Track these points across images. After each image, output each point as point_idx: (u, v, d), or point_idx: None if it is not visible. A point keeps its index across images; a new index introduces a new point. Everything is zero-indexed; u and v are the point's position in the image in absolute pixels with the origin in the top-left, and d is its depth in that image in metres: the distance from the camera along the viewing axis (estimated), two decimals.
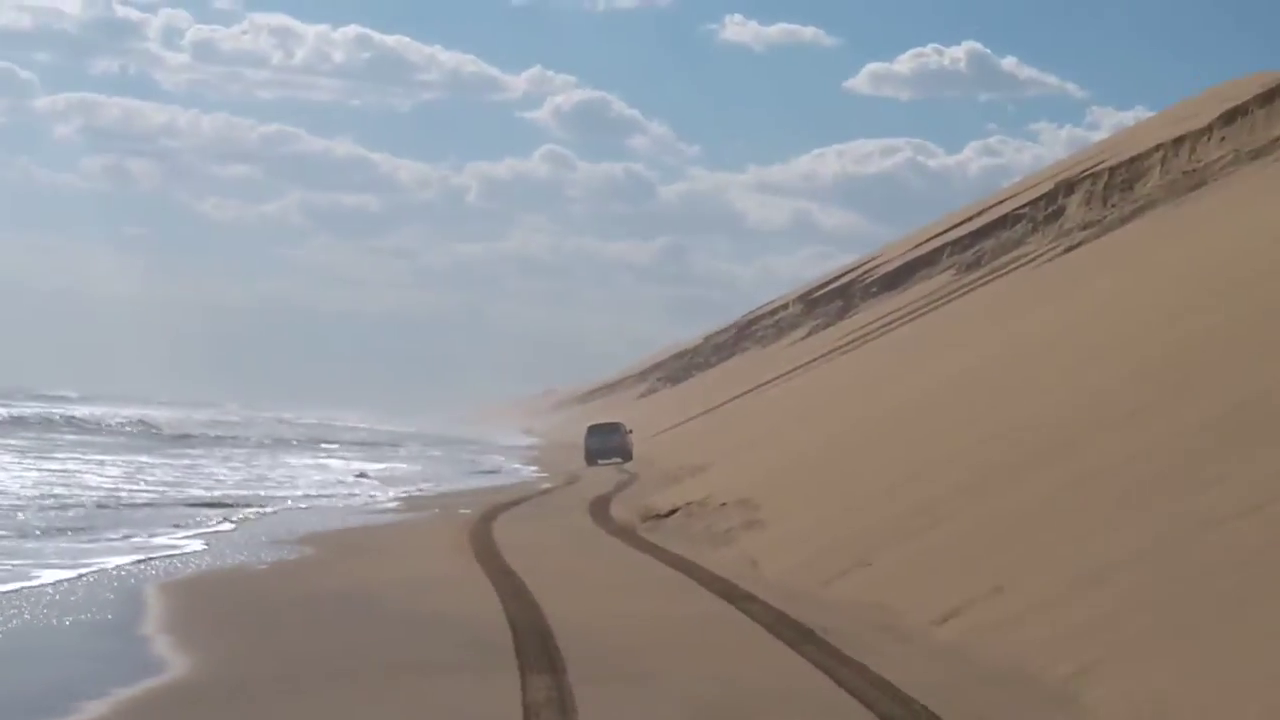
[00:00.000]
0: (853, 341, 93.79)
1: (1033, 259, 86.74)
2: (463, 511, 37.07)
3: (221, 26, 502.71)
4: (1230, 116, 79.82)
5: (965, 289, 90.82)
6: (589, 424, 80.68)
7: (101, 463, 56.59)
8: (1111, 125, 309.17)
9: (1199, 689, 11.51)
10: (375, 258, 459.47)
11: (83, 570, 23.90)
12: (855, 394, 53.21)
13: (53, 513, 34.54)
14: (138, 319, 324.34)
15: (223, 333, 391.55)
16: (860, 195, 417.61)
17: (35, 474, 48.69)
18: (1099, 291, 41.77)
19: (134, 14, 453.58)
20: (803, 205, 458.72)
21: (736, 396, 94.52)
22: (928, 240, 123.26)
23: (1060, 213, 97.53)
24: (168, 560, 25.78)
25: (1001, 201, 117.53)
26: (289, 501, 41.51)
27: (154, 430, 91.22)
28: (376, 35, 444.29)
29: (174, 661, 16.10)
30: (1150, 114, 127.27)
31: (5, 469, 50.60)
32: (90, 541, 28.83)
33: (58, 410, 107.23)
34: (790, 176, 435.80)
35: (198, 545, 28.51)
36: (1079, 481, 18.87)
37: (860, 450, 32.04)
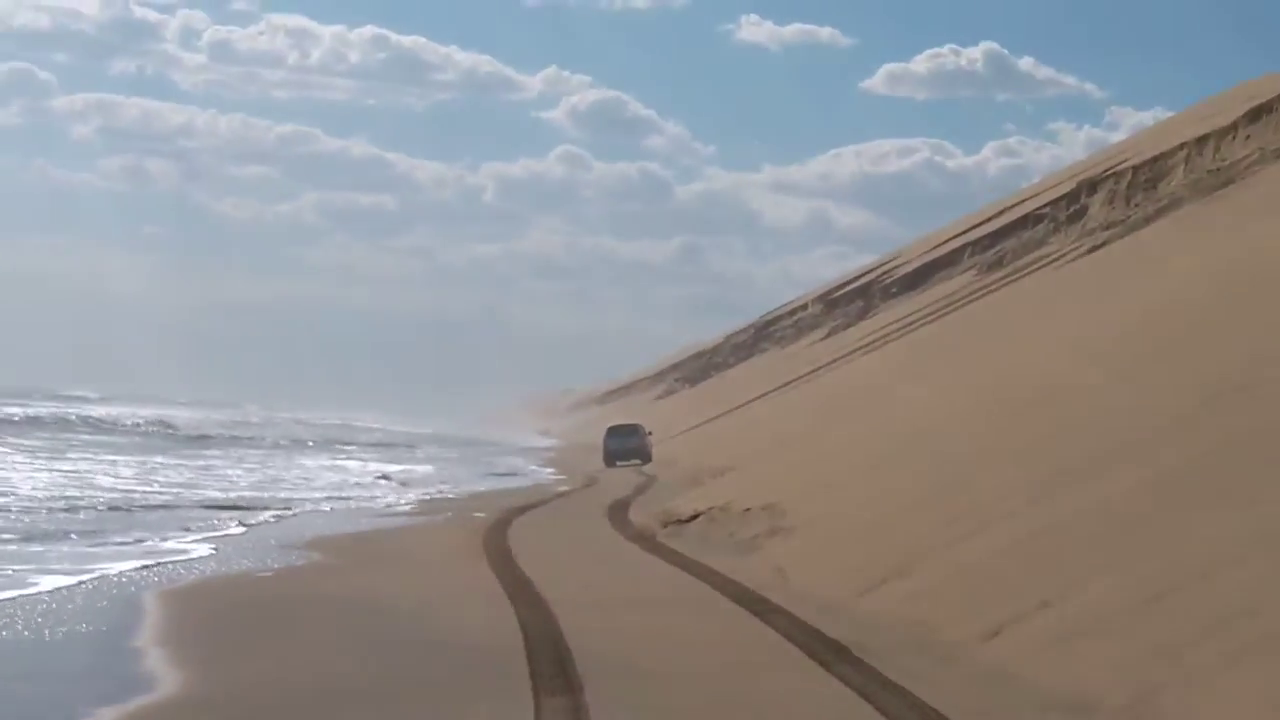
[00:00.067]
0: (874, 342, 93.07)
1: (1056, 259, 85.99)
2: (477, 515, 36.35)
3: (238, 27, 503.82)
4: (1255, 114, 78.97)
5: (987, 289, 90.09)
6: (608, 425, 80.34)
7: (114, 463, 56.13)
8: (1130, 125, 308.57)
9: None
10: (391, 257, 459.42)
11: (83, 577, 23.26)
12: (881, 395, 52.29)
13: (62, 515, 34.11)
14: (154, 319, 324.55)
15: (240, 332, 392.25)
16: (877, 195, 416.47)
17: (47, 475, 48.26)
18: (1148, 290, 40.81)
19: (151, 15, 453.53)
20: (819, 205, 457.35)
21: (757, 397, 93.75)
22: (948, 240, 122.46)
23: (1083, 212, 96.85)
24: (172, 566, 25.12)
25: (1023, 201, 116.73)
26: (306, 504, 40.81)
27: (171, 431, 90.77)
28: (393, 36, 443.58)
29: (164, 678, 15.23)
30: (1169, 114, 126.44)
31: (17, 469, 50.27)
32: (97, 545, 28.31)
33: (74, 410, 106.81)
34: (807, 176, 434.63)
35: (205, 550, 27.87)
36: (1137, 489, 17.76)
37: (892, 454, 31.04)
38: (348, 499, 44.18)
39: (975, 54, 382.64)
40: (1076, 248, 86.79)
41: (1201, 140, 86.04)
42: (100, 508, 36.50)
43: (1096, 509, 17.74)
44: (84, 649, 17.24)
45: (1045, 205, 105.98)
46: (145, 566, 24.72)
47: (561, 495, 47.46)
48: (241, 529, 32.49)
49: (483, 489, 51.30)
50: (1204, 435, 18.83)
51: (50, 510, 35.04)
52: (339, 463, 68.37)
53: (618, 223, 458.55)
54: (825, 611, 17.92)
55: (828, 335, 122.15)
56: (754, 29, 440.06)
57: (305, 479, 53.69)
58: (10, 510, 34.59)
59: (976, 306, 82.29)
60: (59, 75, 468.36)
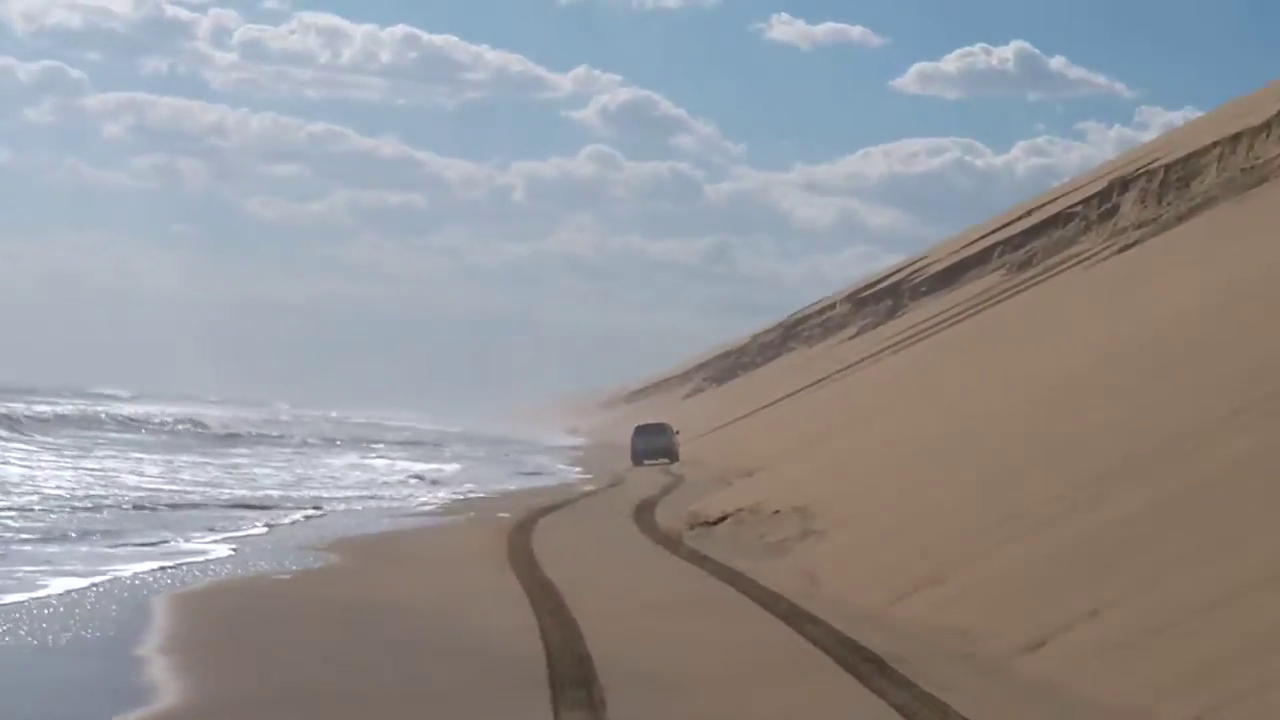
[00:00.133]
0: (902, 341, 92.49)
1: (1087, 258, 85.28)
2: (502, 516, 35.83)
3: (270, 26, 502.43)
4: None
5: (1017, 289, 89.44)
6: (636, 424, 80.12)
7: (142, 462, 55.90)
8: (1161, 125, 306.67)
9: None
10: (421, 256, 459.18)
11: (96, 579, 22.73)
12: (911, 395, 51.63)
13: (84, 514, 33.77)
14: (185, 317, 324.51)
15: (271, 331, 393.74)
16: (907, 195, 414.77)
17: (72, 473, 47.97)
18: (1182, 288, 40.06)
19: (183, 13, 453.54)
20: (849, 204, 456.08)
21: (785, 396, 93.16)
22: (978, 239, 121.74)
23: (1114, 211, 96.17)
24: (188, 568, 24.61)
25: (1054, 200, 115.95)
26: (332, 504, 40.31)
27: (201, 430, 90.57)
28: (424, 35, 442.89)
29: (167, 688, 14.66)
30: (1199, 114, 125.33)
31: (43, 468, 49.94)
32: (116, 546, 27.92)
33: (104, 408, 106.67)
34: (837, 176, 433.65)
35: (225, 551, 27.42)
36: (1188, 493, 17.01)
37: (927, 455, 30.37)
38: (375, 498, 43.75)
39: (1006, 53, 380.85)
40: (1108, 246, 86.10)
41: (1235, 138, 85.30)
42: (125, 507, 36.25)
43: (1143, 512, 17.00)
44: (85, 657, 16.67)
45: (1077, 204, 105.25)
46: (161, 568, 24.28)
47: (587, 495, 46.95)
48: (264, 529, 32.03)
49: (509, 488, 50.87)
50: (1252, 436, 18.13)
51: (74, 509, 34.71)
52: (367, 461, 68.27)
53: (647, 222, 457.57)
54: (859, 620, 17.28)
55: (856, 334, 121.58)
56: (785, 28, 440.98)
57: (332, 478, 53.50)
58: (33, 509, 34.24)
59: (1006, 306, 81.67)
60: (91, 74, 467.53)
